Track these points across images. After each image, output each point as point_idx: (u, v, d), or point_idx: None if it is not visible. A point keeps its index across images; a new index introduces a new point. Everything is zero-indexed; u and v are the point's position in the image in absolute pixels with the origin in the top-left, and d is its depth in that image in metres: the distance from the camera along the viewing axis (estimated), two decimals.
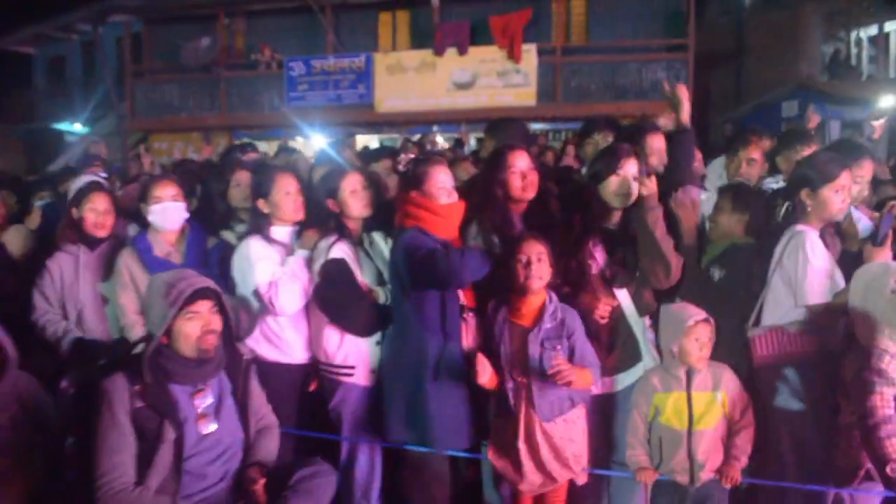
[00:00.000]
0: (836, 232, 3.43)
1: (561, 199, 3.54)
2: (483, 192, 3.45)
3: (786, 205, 3.34)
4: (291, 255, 3.65)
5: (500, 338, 3.16)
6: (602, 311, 3.30)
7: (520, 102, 13.92)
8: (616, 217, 3.42)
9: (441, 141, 13.80)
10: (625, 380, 3.40)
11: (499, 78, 14.21)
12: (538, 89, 14.13)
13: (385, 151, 5.76)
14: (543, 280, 3.13)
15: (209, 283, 2.83)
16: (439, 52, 14.27)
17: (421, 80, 14.42)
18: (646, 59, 14.17)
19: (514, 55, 13.99)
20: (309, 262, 3.62)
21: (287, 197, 3.73)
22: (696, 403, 3.08)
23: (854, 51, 20.28)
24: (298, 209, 3.77)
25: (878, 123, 6.12)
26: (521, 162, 3.43)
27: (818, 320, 3.11)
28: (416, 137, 12.97)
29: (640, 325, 3.42)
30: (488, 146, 4.18)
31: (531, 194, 3.44)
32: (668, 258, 3.26)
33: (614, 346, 3.38)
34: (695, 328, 3.06)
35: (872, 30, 19.57)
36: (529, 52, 14.08)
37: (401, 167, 3.44)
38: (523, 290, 3.13)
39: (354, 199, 3.65)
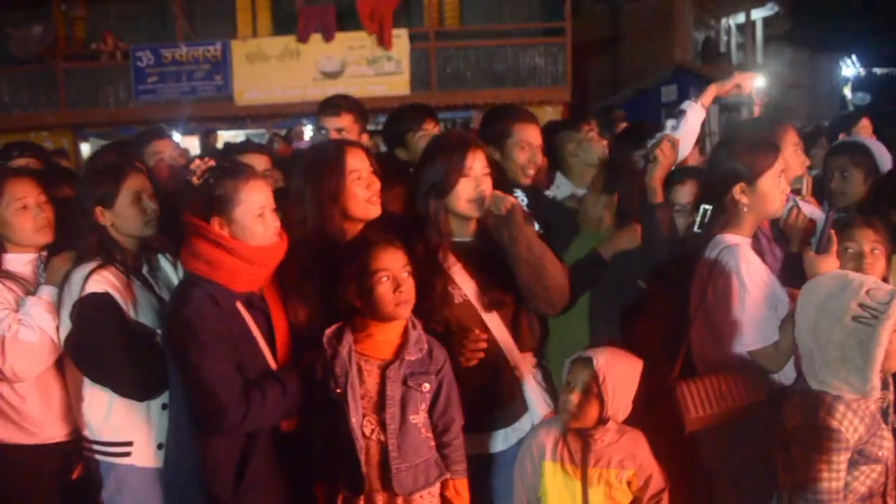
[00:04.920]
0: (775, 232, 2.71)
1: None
2: (312, 208, 2.46)
3: (702, 209, 2.56)
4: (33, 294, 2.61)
5: (346, 377, 2.22)
6: (473, 346, 2.40)
7: (393, 91, 12.99)
8: (470, 227, 2.56)
9: (311, 134, 12.83)
10: (508, 437, 2.56)
11: (369, 66, 13.26)
12: (412, 77, 13.29)
13: (255, 146, 4.67)
14: (412, 303, 2.27)
15: None
16: (303, 38, 13.17)
17: (284, 69, 13.28)
18: (523, 44, 13.60)
19: (384, 41, 13.07)
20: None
21: (22, 213, 2.68)
22: (593, 483, 2.25)
23: (724, 38, 20.67)
24: (42, 229, 2.72)
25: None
26: (360, 163, 2.49)
27: (765, 364, 2.36)
28: (284, 132, 12.01)
29: (525, 364, 2.58)
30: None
31: (378, 210, 2.52)
32: (553, 276, 2.46)
33: (491, 392, 2.51)
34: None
35: (740, 18, 19.99)
36: (400, 37, 13.21)
37: (195, 179, 2.33)
38: (390, 318, 2.25)
39: (137, 210, 2.63)
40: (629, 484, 2.29)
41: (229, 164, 2.44)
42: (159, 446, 2.57)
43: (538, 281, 2.46)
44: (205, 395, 2.18)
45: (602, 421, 2.24)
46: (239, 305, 2.27)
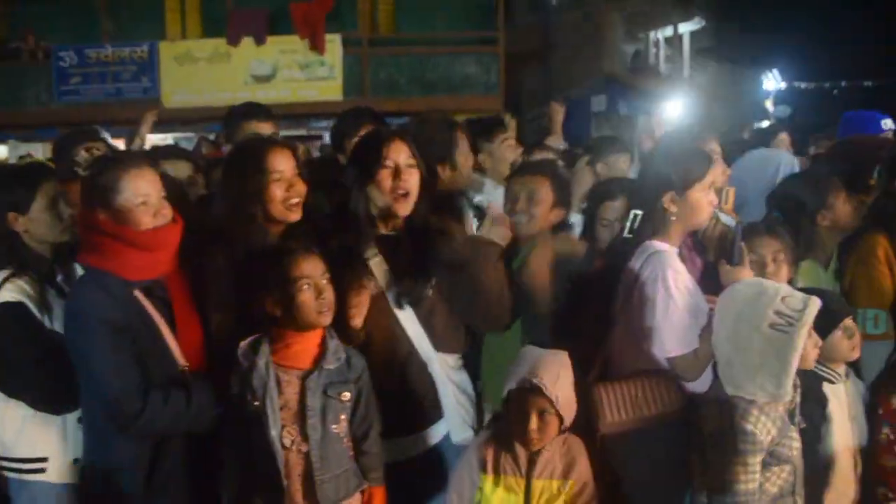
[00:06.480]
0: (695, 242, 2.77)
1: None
2: (232, 207, 2.44)
3: (633, 214, 2.59)
4: None
5: (264, 389, 2.19)
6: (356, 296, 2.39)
7: (325, 97, 12.88)
8: (397, 219, 2.55)
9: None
10: (425, 440, 2.54)
11: (302, 70, 13.10)
12: (345, 83, 13.16)
13: (179, 151, 4.52)
14: (332, 310, 2.26)
15: None
16: (232, 41, 12.93)
17: (214, 71, 12.99)
18: (456, 53, 13.69)
19: (317, 46, 12.94)
20: None
21: None
22: (535, 495, 2.23)
23: (653, 50, 21.21)
24: None
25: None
26: (283, 164, 2.45)
27: (683, 371, 2.41)
28: (213, 136, 11.78)
29: (443, 366, 2.56)
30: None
31: (297, 214, 2.48)
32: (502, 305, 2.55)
33: (402, 393, 2.48)
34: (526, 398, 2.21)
35: (668, 31, 20.54)
36: (334, 42, 13.08)
37: (80, 170, 2.34)
38: (312, 327, 2.24)
39: (52, 216, 2.54)
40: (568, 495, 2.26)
41: (114, 155, 2.43)
42: (75, 461, 2.49)
43: (489, 307, 2.54)
44: (100, 387, 2.18)
45: (562, 432, 2.24)
46: (137, 293, 2.24)
